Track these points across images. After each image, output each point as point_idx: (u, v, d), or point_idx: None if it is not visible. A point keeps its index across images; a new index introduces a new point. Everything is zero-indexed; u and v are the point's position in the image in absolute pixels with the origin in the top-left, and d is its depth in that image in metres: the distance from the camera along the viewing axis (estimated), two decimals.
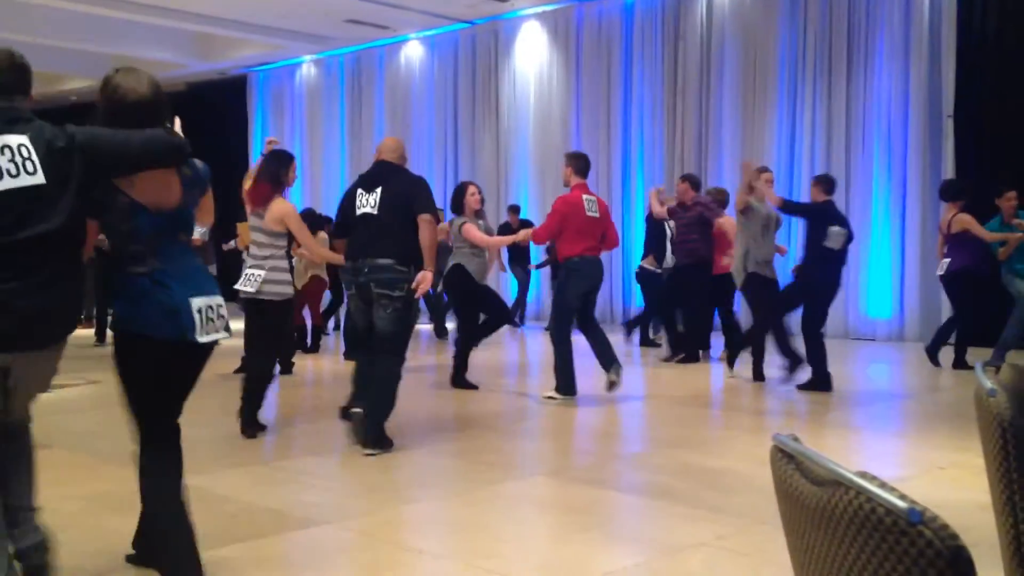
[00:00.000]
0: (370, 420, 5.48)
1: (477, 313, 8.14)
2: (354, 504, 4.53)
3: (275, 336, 6.32)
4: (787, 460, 1.15)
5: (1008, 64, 10.87)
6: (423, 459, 5.48)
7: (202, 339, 3.07)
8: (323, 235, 10.30)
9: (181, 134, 3.18)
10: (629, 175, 14.09)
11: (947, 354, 9.13)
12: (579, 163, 7.37)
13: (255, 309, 6.13)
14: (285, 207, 6.14)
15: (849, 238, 7.70)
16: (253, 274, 6.07)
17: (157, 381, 3.13)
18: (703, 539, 3.91)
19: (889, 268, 11.85)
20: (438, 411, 7.19)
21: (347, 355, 9.65)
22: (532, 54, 15.13)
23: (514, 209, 13.48)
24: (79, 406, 7.29)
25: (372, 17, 15.18)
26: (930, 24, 11.42)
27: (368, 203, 5.60)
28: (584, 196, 7.25)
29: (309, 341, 10.73)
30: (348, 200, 5.78)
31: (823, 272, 7.68)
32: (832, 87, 12.19)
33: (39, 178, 2.76)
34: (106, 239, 3.19)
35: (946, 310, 11.17)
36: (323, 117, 18.24)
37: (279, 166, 6.14)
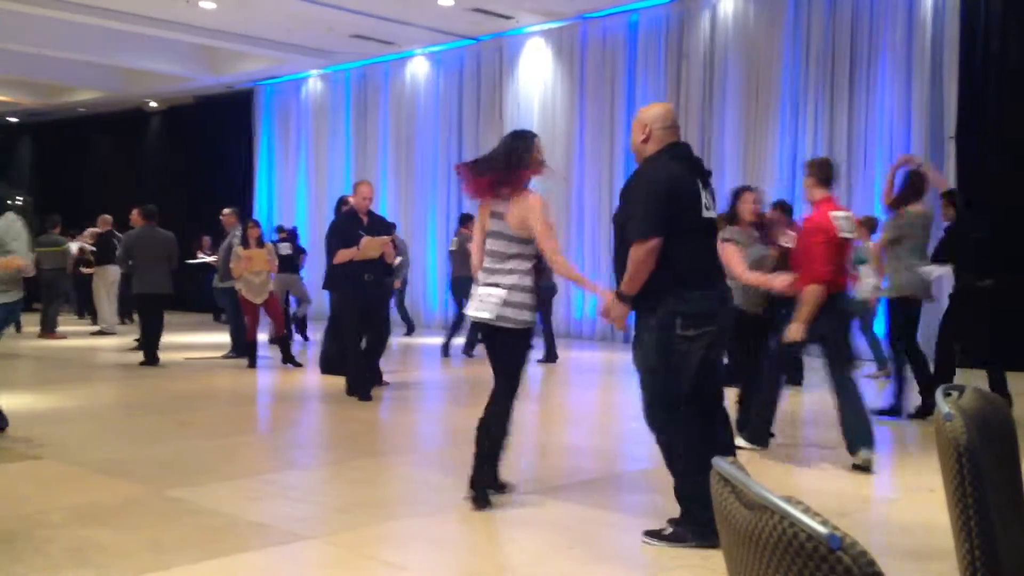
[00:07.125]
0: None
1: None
2: (340, 519, 4.51)
3: (509, 376, 4.76)
4: (724, 484, 1.14)
5: (1011, 86, 10.85)
6: (412, 474, 5.46)
7: None
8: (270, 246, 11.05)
9: None
10: None
11: None
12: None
13: (490, 339, 4.77)
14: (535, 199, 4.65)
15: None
16: (489, 293, 4.62)
17: None
18: (688, 560, 3.88)
19: None
20: (428, 425, 7.16)
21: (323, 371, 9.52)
22: (536, 71, 15.16)
23: None
24: (66, 416, 7.27)
25: (377, 33, 15.26)
26: (932, 44, 11.39)
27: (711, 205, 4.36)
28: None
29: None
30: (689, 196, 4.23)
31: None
32: (834, 106, 12.19)
33: None
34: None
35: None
36: (328, 131, 18.27)
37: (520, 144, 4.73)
